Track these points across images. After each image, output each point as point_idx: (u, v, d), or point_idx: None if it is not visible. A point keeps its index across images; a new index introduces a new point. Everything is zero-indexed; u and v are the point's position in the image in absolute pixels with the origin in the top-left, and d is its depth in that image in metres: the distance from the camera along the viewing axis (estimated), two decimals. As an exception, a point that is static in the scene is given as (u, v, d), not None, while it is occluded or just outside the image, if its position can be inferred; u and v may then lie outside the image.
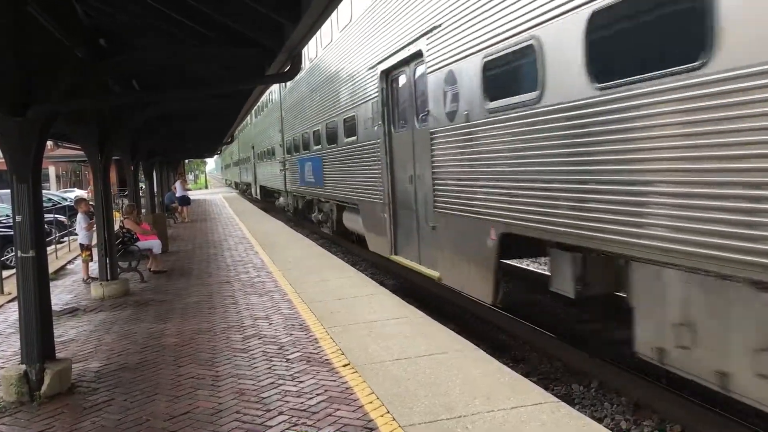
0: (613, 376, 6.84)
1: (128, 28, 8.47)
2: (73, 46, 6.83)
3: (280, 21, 6.26)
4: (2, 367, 6.50)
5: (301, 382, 5.76)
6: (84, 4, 7.26)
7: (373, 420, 4.80)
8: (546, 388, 6.15)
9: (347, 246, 16.86)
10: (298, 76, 15.77)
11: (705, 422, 5.52)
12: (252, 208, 33.40)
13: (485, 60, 7.49)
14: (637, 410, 6.31)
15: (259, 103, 27.31)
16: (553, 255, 6.94)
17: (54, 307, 7.98)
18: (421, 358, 6.17)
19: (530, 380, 5.81)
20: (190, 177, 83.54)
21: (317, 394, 5.42)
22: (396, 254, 11.46)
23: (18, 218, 5.94)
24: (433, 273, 9.56)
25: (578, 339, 7.98)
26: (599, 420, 6.10)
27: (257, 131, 34.95)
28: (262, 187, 34.27)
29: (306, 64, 17.17)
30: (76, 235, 14.39)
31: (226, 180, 66.75)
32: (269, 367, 6.23)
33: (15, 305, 7.65)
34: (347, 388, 5.50)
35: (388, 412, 4.92)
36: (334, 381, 5.72)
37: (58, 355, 6.49)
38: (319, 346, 6.83)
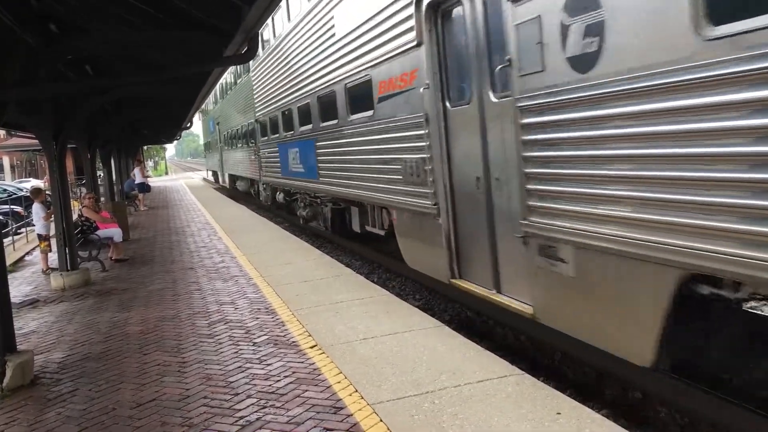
0: (574, 346, 6.97)
1: (80, 13, 8.25)
2: (23, 32, 6.63)
3: (237, 2, 6.19)
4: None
5: (268, 365, 5.77)
6: (33, -12, 7.06)
7: (341, 399, 4.84)
8: (511, 362, 6.26)
9: (312, 229, 17.03)
10: (214, 114, 39.03)
11: (663, 387, 5.69)
12: (216, 194, 33.15)
13: (227, 131, 31.13)
14: (600, 379, 6.47)
15: (207, 103, 39.86)
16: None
17: (13, 300, 7.83)
18: (387, 336, 6.24)
19: (495, 354, 5.92)
20: (150, 164, 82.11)
21: (285, 377, 5.44)
22: (235, 187, 31.32)
23: (-29, 209, 5.80)
24: (240, 189, 30.20)
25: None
26: (563, 390, 6.23)
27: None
28: (210, 170, 50.48)
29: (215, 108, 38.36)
30: (33, 226, 14.09)
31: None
32: (236, 352, 6.23)
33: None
34: (315, 369, 5.54)
35: (357, 391, 4.97)
36: (302, 363, 5.75)
37: (20, 347, 6.38)
38: (286, 329, 6.84)
